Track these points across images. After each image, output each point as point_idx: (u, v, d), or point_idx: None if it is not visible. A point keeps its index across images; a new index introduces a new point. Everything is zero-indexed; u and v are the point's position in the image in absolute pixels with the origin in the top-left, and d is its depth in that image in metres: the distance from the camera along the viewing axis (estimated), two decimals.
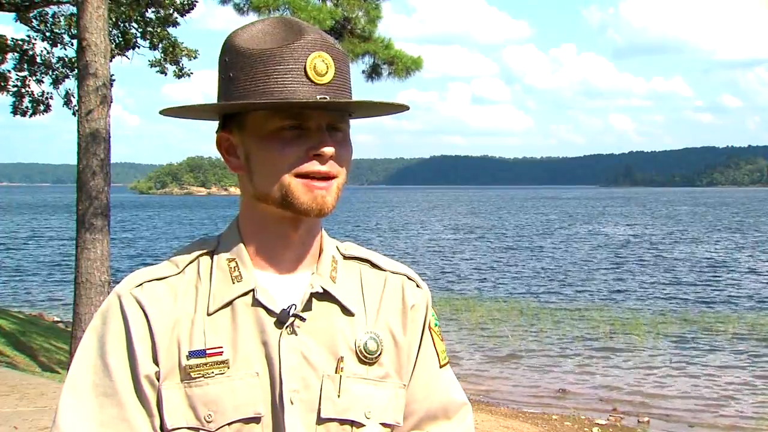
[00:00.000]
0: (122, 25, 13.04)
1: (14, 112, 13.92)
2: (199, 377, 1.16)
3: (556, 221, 63.84)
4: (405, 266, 1.36)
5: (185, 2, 12.97)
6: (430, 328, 1.34)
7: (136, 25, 13.17)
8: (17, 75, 13.87)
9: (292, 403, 1.17)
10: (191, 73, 13.70)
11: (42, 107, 14.00)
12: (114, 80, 11.52)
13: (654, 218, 67.44)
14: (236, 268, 1.22)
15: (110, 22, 9.57)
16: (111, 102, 7.76)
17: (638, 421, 9.74)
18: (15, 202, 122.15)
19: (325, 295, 1.23)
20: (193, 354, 1.16)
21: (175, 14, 13.08)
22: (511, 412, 9.91)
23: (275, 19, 1.23)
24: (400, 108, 1.25)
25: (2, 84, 13.71)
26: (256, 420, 1.17)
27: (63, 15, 13.59)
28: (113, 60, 11.04)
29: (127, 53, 13.19)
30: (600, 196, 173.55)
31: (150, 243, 41.79)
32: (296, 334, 1.19)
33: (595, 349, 13.69)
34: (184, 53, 13.30)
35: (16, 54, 13.68)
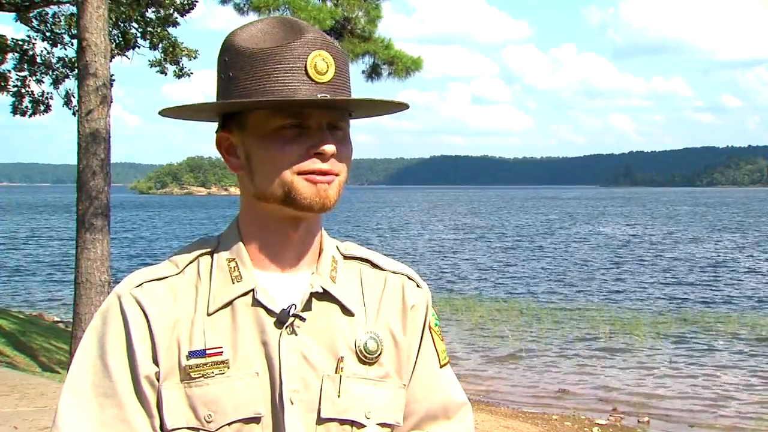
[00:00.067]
0: (122, 25, 13.04)
1: (14, 112, 13.92)
2: (199, 377, 1.16)
3: (556, 221, 63.84)
4: (405, 266, 1.35)
5: (185, 2, 12.96)
6: (430, 327, 1.33)
7: (136, 25, 13.17)
8: (17, 75, 13.87)
9: (292, 403, 1.17)
10: (191, 73, 13.70)
11: (42, 107, 13.99)
12: (114, 80, 11.52)
13: (654, 218, 67.45)
14: (236, 268, 1.22)
15: (110, 22, 9.57)
16: (111, 102, 7.76)
17: (638, 421, 9.74)
18: (15, 202, 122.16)
19: (325, 295, 1.23)
20: (192, 354, 1.16)
21: (175, 14, 13.08)
22: (511, 412, 9.91)
23: (274, 19, 1.23)
24: (400, 106, 1.25)
25: (2, 84, 13.70)
26: (256, 420, 1.17)
27: (63, 15, 13.59)
28: (113, 60, 11.04)
29: (127, 53, 13.18)
30: (600, 196, 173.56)
31: (150, 243, 41.81)
32: (296, 334, 1.19)
33: (595, 349, 13.69)
34: (184, 53, 13.30)
35: (16, 54, 13.67)
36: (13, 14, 13.01)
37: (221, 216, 74.22)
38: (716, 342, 14.32)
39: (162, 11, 13.02)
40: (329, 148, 1.17)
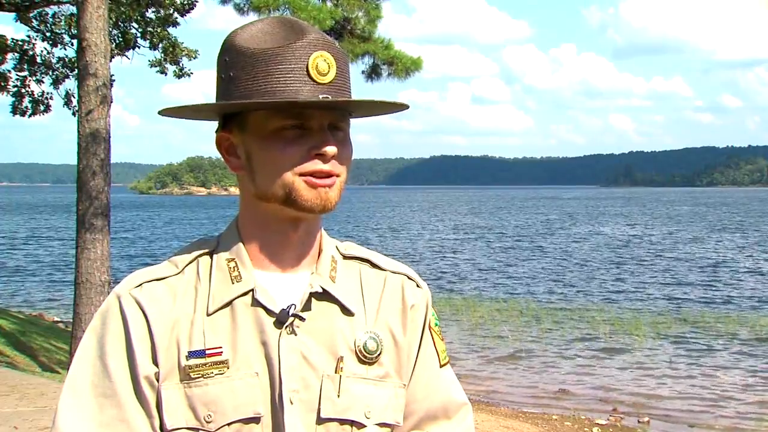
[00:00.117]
0: (122, 25, 13.04)
1: (14, 112, 13.92)
2: (198, 377, 1.16)
3: (556, 221, 63.84)
4: (405, 266, 1.35)
5: (185, 2, 12.96)
6: (430, 327, 1.33)
7: (136, 25, 13.17)
8: (17, 75, 13.87)
9: (291, 403, 1.17)
10: (191, 73, 13.70)
11: (42, 107, 13.99)
12: (114, 80, 11.51)
13: (654, 218, 67.45)
14: (236, 268, 1.22)
15: (110, 22, 9.57)
16: (111, 102, 7.76)
17: (638, 421, 9.74)
18: (15, 202, 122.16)
19: (325, 295, 1.23)
20: (192, 354, 1.16)
21: (175, 14, 13.08)
22: (511, 412, 9.91)
23: (275, 19, 1.23)
24: (401, 107, 1.25)
25: (2, 84, 13.71)
26: (256, 420, 1.17)
27: (63, 15, 13.59)
28: (113, 60, 11.04)
29: (127, 53, 13.18)
30: (600, 196, 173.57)
31: (150, 243, 41.81)
32: (296, 334, 1.19)
33: (595, 350, 13.69)
34: (184, 53, 13.30)
35: (16, 54, 13.67)
36: (13, 14, 13.01)
37: (221, 216, 74.21)
38: (716, 342, 14.32)
39: (162, 11, 13.02)
40: (331, 149, 1.17)
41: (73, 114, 11.58)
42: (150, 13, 13.09)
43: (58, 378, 8.48)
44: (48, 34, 13.68)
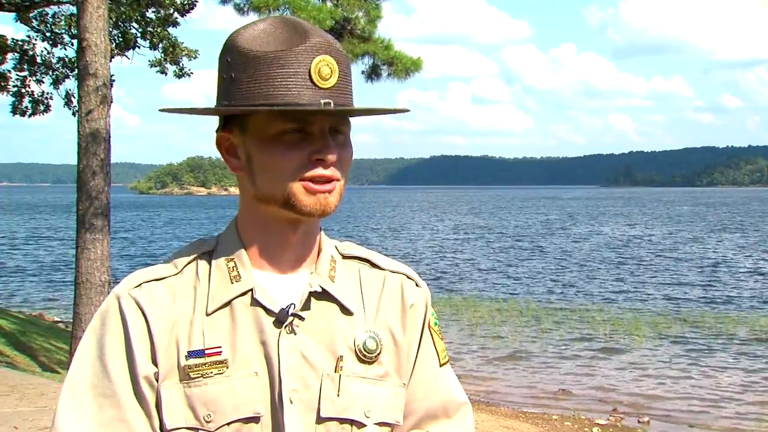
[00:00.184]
0: (122, 25, 13.04)
1: (14, 112, 13.93)
2: (198, 377, 1.16)
3: (556, 221, 63.84)
4: (404, 265, 1.35)
5: (185, 2, 12.97)
6: (429, 327, 1.33)
7: (136, 25, 13.18)
8: (17, 75, 13.89)
9: (291, 402, 1.17)
10: (191, 73, 13.71)
11: (42, 107, 14.00)
12: (114, 80, 11.51)
13: (654, 218, 67.45)
14: (235, 269, 1.22)
15: (110, 22, 9.57)
16: (111, 102, 7.76)
17: (638, 421, 9.74)
18: (15, 202, 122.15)
19: (324, 295, 1.23)
20: (191, 354, 1.16)
21: (175, 14, 13.09)
22: (511, 412, 9.91)
23: (277, 19, 1.22)
24: (402, 111, 1.25)
25: (2, 84, 13.71)
26: (256, 420, 1.17)
27: (63, 15, 13.60)
28: (113, 60, 11.05)
29: (127, 53, 13.19)
30: (600, 196, 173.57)
31: (150, 243, 41.81)
32: (295, 334, 1.19)
33: (595, 350, 13.70)
34: (184, 53, 13.31)
35: (16, 54, 13.68)
36: (13, 14, 13.02)
37: (221, 216, 74.22)
38: (716, 342, 14.32)
39: (162, 11, 13.03)
40: (332, 156, 1.17)
41: (73, 114, 11.59)
42: (150, 13, 13.10)
43: (58, 378, 8.48)
44: (48, 34, 13.69)
